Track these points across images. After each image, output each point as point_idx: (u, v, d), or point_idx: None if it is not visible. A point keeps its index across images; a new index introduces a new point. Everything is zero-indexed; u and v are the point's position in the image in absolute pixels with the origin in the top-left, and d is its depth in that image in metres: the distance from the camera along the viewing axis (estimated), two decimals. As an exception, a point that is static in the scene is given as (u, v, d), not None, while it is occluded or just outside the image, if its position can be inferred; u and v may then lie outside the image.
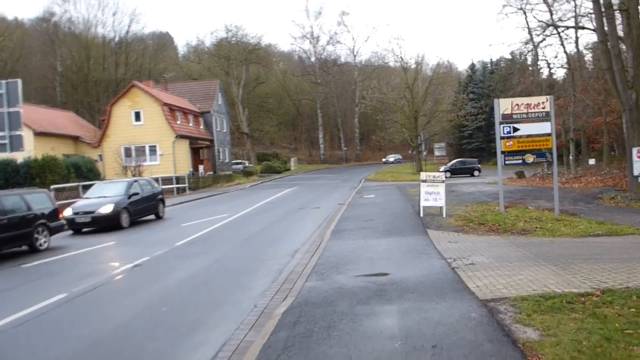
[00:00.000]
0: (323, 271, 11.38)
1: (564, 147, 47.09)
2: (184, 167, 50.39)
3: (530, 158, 19.11)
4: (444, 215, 19.20)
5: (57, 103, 69.62)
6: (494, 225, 17.02)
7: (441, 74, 66.45)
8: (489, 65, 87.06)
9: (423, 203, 19.59)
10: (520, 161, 19.36)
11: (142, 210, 23.94)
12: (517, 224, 17.04)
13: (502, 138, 19.12)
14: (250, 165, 74.67)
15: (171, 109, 50.87)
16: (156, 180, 39.81)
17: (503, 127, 19.09)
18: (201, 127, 58.25)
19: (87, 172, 35.17)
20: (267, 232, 19.06)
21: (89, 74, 75.58)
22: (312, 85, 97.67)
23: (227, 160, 64.31)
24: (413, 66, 61.91)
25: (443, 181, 19.59)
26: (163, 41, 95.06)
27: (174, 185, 42.87)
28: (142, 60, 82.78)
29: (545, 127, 19.04)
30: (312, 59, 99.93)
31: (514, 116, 19.06)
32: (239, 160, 73.65)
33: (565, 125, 44.14)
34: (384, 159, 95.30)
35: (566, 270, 10.27)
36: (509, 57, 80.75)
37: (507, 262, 11.43)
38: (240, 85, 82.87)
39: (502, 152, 19.24)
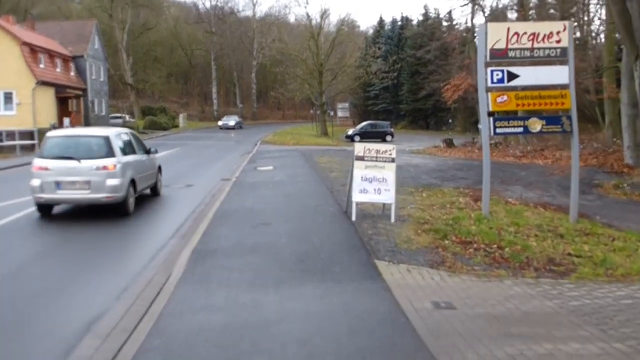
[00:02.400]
0: None
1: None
2: (48, 119, 40.81)
3: (536, 124, 11.47)
4: (393, 219, 11.28)
5: None
6: (490, 248, 9.36)
7: (345, 31, 58.61)
8: (399, 21, 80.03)
9: (357, 197, 11.44)
10: (520, 129, 11.73)
11: None
12: (530, 246, 9.48)
13: (489, 90, 11.41)
14: (132, 120, 64.45)
15: (33, 50, 41.16)
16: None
17: (492, 71, 11.37)
18: (72, 73, 48.11)
19: None
20: (67, 250, 10.42)
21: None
22: (206, 35, 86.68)
23: (103, 114, 54.40)
24: (317, 19, 53.69)
25: (393, 160, 11.57)
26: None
27: (17, 142, 32.54)
28: (17, -1, 70.26)
29: (561, 74, 11.53)
30: (207, 5, 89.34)
31: (511, 53, 11.39)
32: (119, 114, 63.18)
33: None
34: (220, 123, 70.04)
35: None
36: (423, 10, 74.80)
37: None
38: (125, 30, 71.52)
39: (491, 114, 11.52)
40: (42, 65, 41.83)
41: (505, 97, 11.35)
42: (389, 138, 47.65)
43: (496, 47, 11.27)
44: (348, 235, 10.25)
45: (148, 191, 15.26)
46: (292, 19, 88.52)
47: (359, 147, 11.68)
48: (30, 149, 32.88)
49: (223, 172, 22.12)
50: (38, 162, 12.49)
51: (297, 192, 15.76)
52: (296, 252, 9.01)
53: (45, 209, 12.84)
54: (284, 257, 8.77)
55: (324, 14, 54.92)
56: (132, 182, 13.04)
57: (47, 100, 42.04)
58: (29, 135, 34.17)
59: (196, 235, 10.31)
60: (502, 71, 11.34)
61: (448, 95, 33.96)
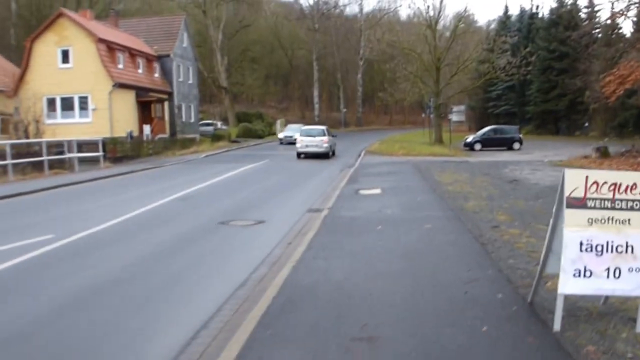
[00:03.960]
0: None
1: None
2: (127, 126, 36.86)
3: None
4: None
5: (9, 48, 55.84)
6: None
7: (463, 26, 51.53)
8: (527, 10, 71.67)
9: (570, 285, 5.07)
10: None
11: None
12: None
13: None
14: (224, 127, 60.24)
15: (110, 48, 37.07)
16: (34, 145, 26.16)
17: None
18: (156, 75, 43.63)
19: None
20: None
21: (50, 13, 60.81)
22: (309, 33, 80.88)
23: (192, 120, 49.79)
24: (433, 12, 46.72)
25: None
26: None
27: (75, 155, 26.82)
28: (109, -4, 68.11)
29: None
30: (311, 0, 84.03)
31: None
32: (210, 121, 59.01)
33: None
34: (281, 135, 51.05)
35: None
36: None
37: None
38: (220, 29, 67.01)
39: None
40: (120, 66, 37.77)
41: None
42: (516, 146, 39.95)
43: None
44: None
45: (331, 153, 33.32)
46: (403, 14, 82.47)
47: (574, 178, 5.38)
48: (95, 162, 27.89)
49: (313, 196, 16.44)
50: (299, 137, 32.78)
51: (425, 247, 9.37)
52: None
53: (300, 155, 31.85)
54: None
55: (441, 4, 48.57)
56: (331, 147, 32.80)
57: (126, 105, 37.92)
58: (93, 146, 28.71)
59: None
60: None
61: (610, 90, 26.74)
